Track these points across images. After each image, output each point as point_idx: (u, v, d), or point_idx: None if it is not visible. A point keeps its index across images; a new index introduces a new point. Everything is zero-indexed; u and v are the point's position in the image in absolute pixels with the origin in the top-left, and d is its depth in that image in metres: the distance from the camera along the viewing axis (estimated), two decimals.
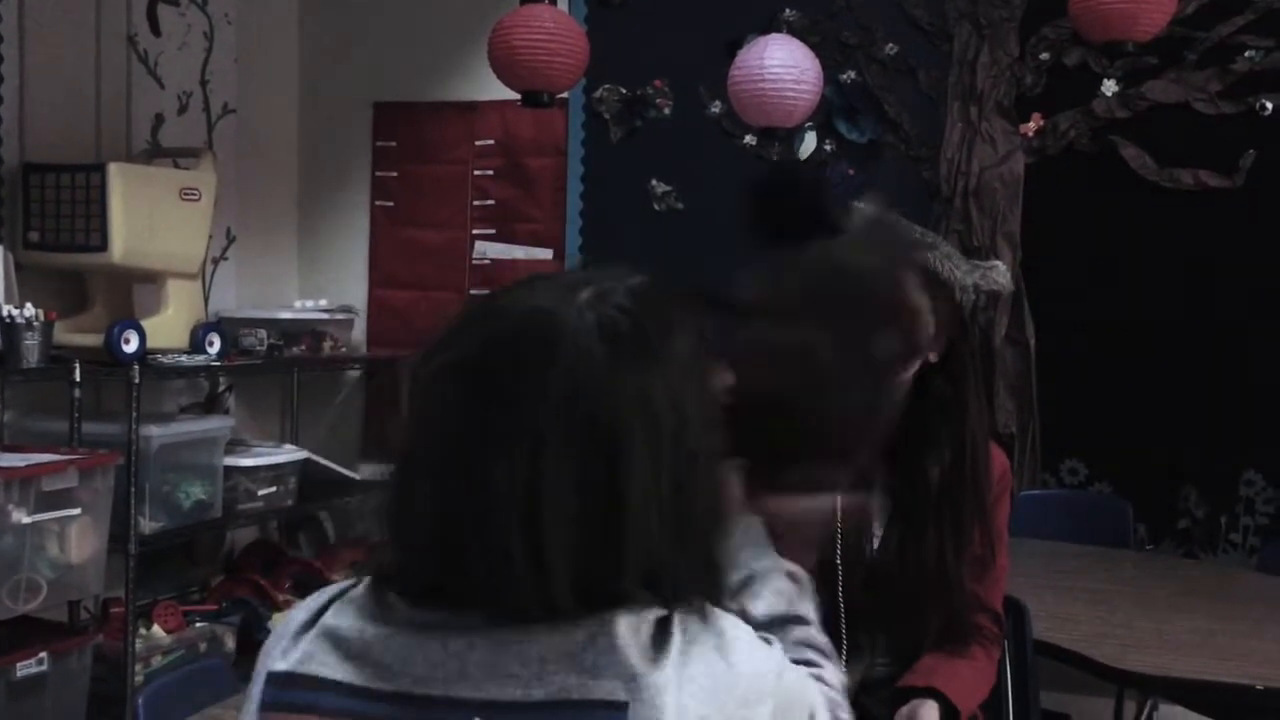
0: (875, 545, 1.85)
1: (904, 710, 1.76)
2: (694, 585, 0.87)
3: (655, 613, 0.84)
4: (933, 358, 1.82)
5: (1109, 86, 3.72)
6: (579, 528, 0.81)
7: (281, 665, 0.87)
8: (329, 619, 0.88)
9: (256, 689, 0.88)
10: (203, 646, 3.60)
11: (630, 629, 0.82)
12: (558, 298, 0.86)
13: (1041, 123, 3.79)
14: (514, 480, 0.81)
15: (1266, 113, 3.57)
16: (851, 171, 3.98)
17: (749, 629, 0.89)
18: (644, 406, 0.83)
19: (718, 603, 0.89)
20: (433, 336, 0.90)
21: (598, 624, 0.82)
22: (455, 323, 0.90)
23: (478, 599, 0.84)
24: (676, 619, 0.84)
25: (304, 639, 0.87)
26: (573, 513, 0.81)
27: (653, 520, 0.83)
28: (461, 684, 0.81)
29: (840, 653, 1.84)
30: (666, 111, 4.18)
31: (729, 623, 0.87)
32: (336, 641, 0.86)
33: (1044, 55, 3.79)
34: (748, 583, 1.03)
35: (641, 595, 0.84)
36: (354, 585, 0.90)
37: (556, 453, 0.81)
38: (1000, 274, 1.87)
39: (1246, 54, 3.59)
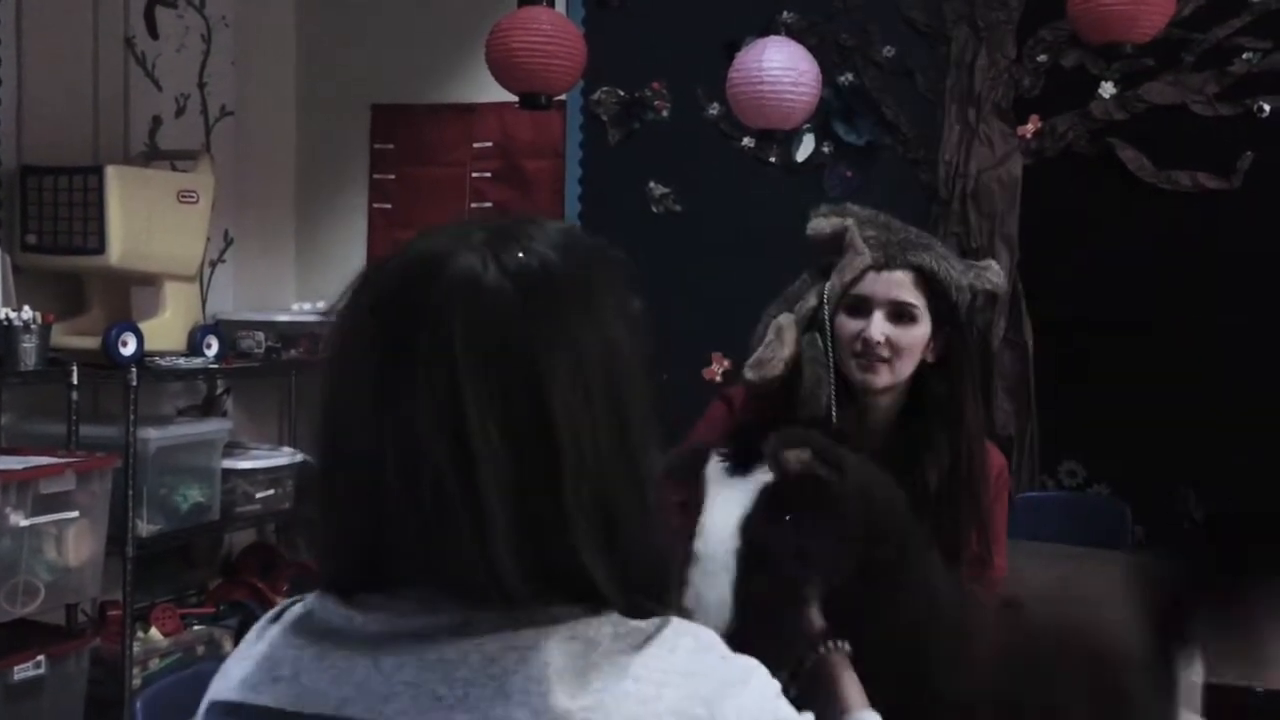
0: None
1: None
2: (651, 559, 0.82)
3: (596, 620, 0.79)
4: (930, 358, 1.81)
5: (1107, 88, 3.73)
6: (513, 465, 0.76)
7: (221, 693, 0.85)
8: (273, 637, 0.85)
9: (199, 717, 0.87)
10: (200, 649, 3.59)
11: (562, 647, 0.77)
12: (447, 242, 0.83)
13: (1039, 125, 3.80)
14: (437, 425, 0.76)
15: (1264, 115, 3.58)
16: (849, 174, 3.98)
17: (696, 637, 0.82)
18: (571, 348, 0.79)
19: (667, 592, 0.84)
20: (336, 305, 0.86)
21: (531, 636, 0.77)
22: (340, 305, 0.85)
23: (418, 576, 0.79)
24: (615, 630, 0.79)
25: (248, 663, 0.85)
26: (504, 450, 0.76)
27: (594, 458, 0.78)
28: (386, 705, 0.77)
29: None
30: (665, 114, 4.18)
31: (671, 635, 0.81)
32: (273, 662, 0.83)
33: (1042, 57, 3.79)
34: None
35: (601, 572, 0.79)
36: (297, 602, 0.87)
37: (478, 398, 0.76)
38: (994, 274, 1.87)
39: (1244, 56, 3.59)
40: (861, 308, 1.79)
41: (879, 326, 1.76)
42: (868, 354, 1.77)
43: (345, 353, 0.83)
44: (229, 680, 0.86)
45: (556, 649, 0.77)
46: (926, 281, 1.77)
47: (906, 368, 1.79)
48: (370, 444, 0.79)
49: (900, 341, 1.77)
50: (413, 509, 0.78)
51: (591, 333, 0.81)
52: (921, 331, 1.78)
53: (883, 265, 1.78)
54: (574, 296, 0.81)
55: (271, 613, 0.89)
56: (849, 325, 1.80)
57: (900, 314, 1.77)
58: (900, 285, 1.77)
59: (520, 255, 0.81)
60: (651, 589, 0.83)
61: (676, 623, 0.82)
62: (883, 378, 1.79)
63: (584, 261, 0.84)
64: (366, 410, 0.80)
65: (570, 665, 0.77)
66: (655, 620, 0.81)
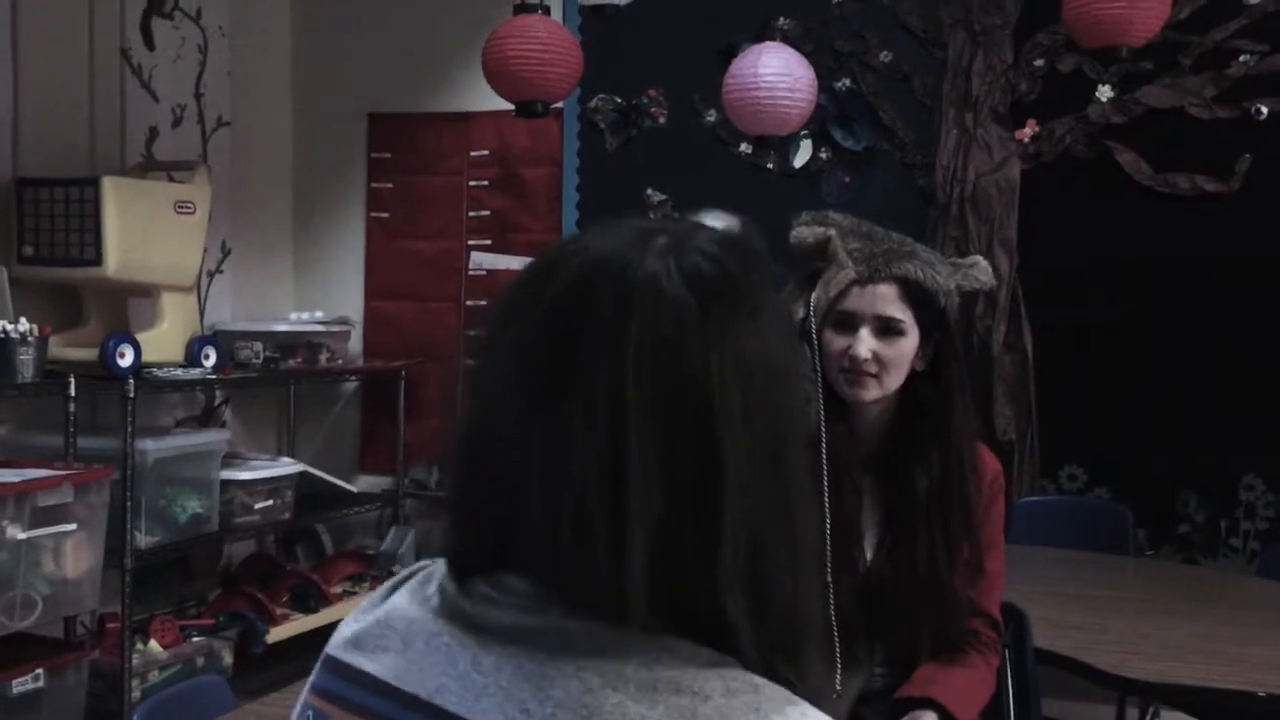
0: (868, 556, 1.84)
1: None
2: (789, 612, 0.75)
3: (711, 674, 0.72)
4: (919, 367, 1.81)
5: (1104, 92, 3.72)
6: (665, 489, 0.71)
7: (334, 647, 0.84)
8: (396, 599, 0.83)
9: (316, 668, 0.85)
10: (200, 661, 3.58)
11: (666, 700, 0.71)
12: (629, 244, 0.77)
13: (1037, 129, 3.79)
14: (595, 434, 0.71)
15: (1262, 117, 3.57)
16: (847, 179, 3.98)
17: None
18: (738, 360, 0.74)
19: (803, 654, 0.77)
20: (489, 309, 0.81)
21: (634, 675, 0.72)
22: (512, 290, 0.80)
23: (538, 574, 0.76)
24: (728, 686, 0.71)
25: (367, 618, 0.83)
26: (659, 469, 0.71)
27: (753, 492, 0.73)
28: (478, 702, 0.74)
29: (836, 664, 1.83)
30: (661, 120, 4.18)
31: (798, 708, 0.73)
32: (387, 629, 0.81)
33: (1038, 61, 3.79)
34: None
35: (727, 613, 0.73)
36: (432, 564, 0.84)
37: (641, 410, 0.71)
38: (981, 271, 1.86)
39: (1241, 58, 3.59)
40: (848, 323, 1.78)
41: (866, 343, 1.76)
42: (855, 370, 1.77)
43: (510, 342, 0.78)
44: (343, 634, 0.84)
45: (661, 694, 0.71)
46: (912, 292, 1.76)
47: (895, 380, 1.78)
48: (519, 440, 0.75)
49: (887, 356, 1.76)
50: (550, 515, 0.73)
51: (757, 346, 0.75)
52: (909, 344, 1.78)
53: (867, 279, 1.76)
54: (746, 312, 0.76)
55: (401, 574, 0.86)
56: (836, 341, 1.79)
57: (887, 329, 1.76)
58: (885, 299, 1.76)
59: (700, 260, 0.76)
60: (788, 650, 0.76)
61: (803, 710, 0.73)
62: (871, 392, 1.78)
63: (753, 268, 0.79)
64: (522, 406, 0.75)
65: (671, 711, 0.70)
66: (780, 691, 0.74)
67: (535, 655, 0.74)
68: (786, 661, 0.76)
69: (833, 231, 1.81)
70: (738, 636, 0.73)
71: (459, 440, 0.81)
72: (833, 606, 1.81)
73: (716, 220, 0.88)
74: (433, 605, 0.81)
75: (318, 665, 0.85)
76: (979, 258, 1.90)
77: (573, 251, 0.79)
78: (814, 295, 1.82)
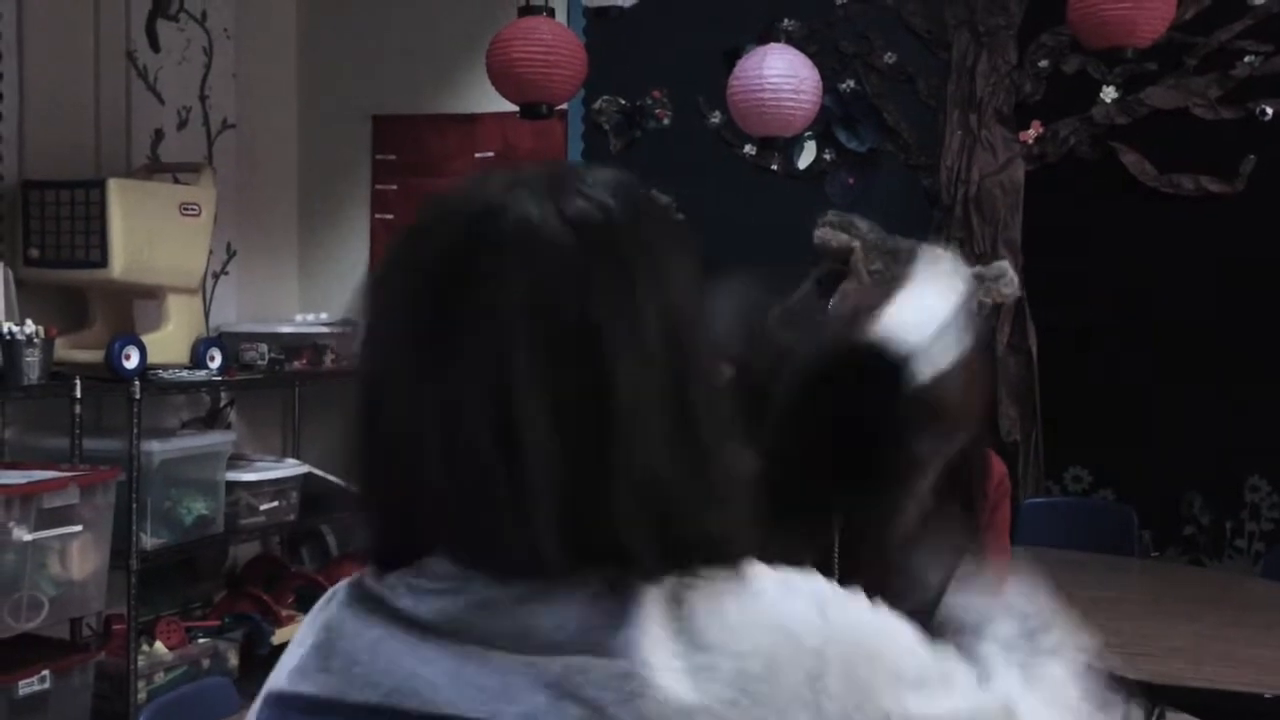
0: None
1: None
2: (715, 533, 0.74)
3: (649, 593, 0.72)
4: None
5: (1108, 93, 3.72)
6: (561, 433, 0.70)
7: (275, 684, 0.83)
8: (328, 618, 0.83)
9: (255, 708, 0.85)
10: (206, 663, 3.59)
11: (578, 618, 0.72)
12: (502, 190, 0.75)
13: (1041, 130, 3.79)
14: (483, 393, 0.70)
15: (1266, 118, 3.57)
16: (851, 180, 3.98)
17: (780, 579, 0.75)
18: (624, 296, 0.72)
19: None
20: (369, 279, 0.79)
21: (556, 600, 0.72)
22: (390, 255, 0.78)
23: (453, 548, 0.76)
24: (674, 598, 0.72)
25: (304, 647, 0.83)
26: (550, 416, 0.70)
27: (648, 433, 0.72)
28: (436, 695, 0.74)
29: None
30: (666, 122, 4.18)
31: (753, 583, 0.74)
32: (325, 650, 0.81)
33: (1043, 62, 3.79)
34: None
35: (642, 548, 0.72)
36: (353, 580, 0.84)
37: (527, 354, 0.70)
38: (1006, 283, 1.84)
39: (1246, 59, 3.59)
40: None
41: None
42: None
43: (389, 309, 0.76)
44: (282, 670, 0.83)
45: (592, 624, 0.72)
46: None
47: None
48: (410, 409, 0.74)
49: None
50: (450, 478, 0.73)
51: (656, 292, 0.73)
52: None
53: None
54: (637, 252, 0.73)
55: (325, 596, 0.85)
56: None
57: None
58: None
59: (580, 202, 0.73)
60: (713, 558, 0.76)
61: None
62: None
63: (648, 210, 0.76)
64: (407, 372, 0.74)
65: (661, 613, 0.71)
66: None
67: (471, 634, 0.74)
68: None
69: (856, 244, 1.80)
70: (650, 569, 0.72)
71: (354, 429, 0.79)
72: None
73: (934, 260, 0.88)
74: (365, 611, 0.80)
75: (258, 705, 0.83)
76: (1005, 268, 1.85)
77: (447, 205, 0.76)
78: (832, 305, 1.81)
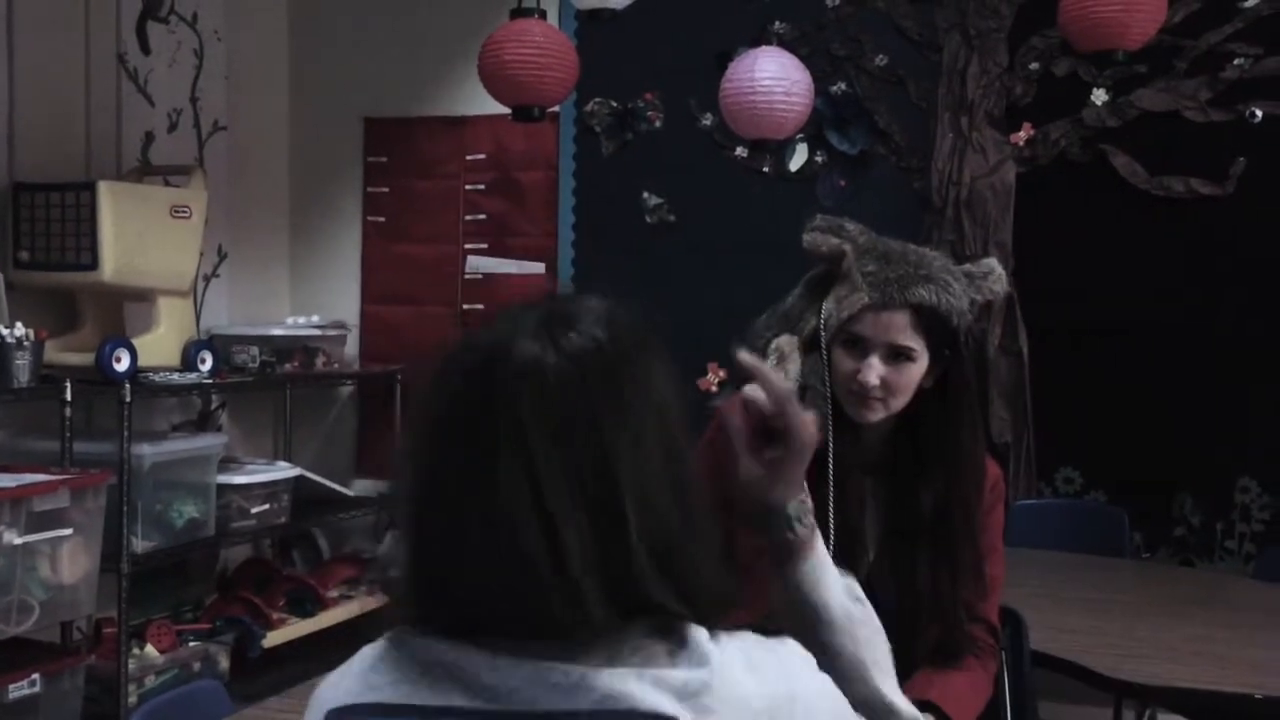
0: (869, 561, 1.84)
1: None
2: (710, 584, 0.90)
3: (686, 625, 0.88)
4: (926, 384, 1.80)
5: (1099, 95, 3.73)
6: (590, 526, 0.85)
7: (335, 700, 0.91)
8: (370, 652, 0.93)
9: None
10: (196, 666, 3.58)
11: (661, 639, 0.86)
12: (515, 331, 0.90)
13: (1032, 132, 3.80)
14: (517, 498, 0.85)
15: (1256, 120, 3.58)
16: (843, 183, 3.99)
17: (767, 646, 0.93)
18: (618, 403, 0.88)
19: (730, 605, 0.93)
20: (416, 394, 0.95)
21: (634, 635, 0.86)
22: (430, 379, 0.93)
23: (510, 626, 0.87)
24: (702, 631, 0.88)
25: (349, 675, 0.92)
26: (579, 514, 0.85)
27: (653, 502, 0.87)
28: (510, 699, 0.85)
29: None
30: (658, 124, 4.18)
31: (749, 640, 0.91)
32: (390, 669, 0.90)
33: (1033, 65, 3.79)
34: None
35: (670, 601, 0.87)
36: (379, 644, 0.94)
37: (549, 461, 0.85)
38: (996, 280, 1.84)
39: (1235, 62, 3.60)
40: (858, 345, 1.77)
41: (875, 370, 1.74)
42: (863, 393, 1.76)
43: (428, 446, 0.91)
44: (335, 690, 0.92)
45: (664, 651, 0.86)
46: (925, 319, 1.74)
47: (901, 402, 1.78)
48: (458, 522, 0.87)
49: (896, 382, 1.75)
50: (499, 568, 0.86)
51: (644, 401, 0.90)
52: (918, 369, 1.76)
53: (880, 306, 1.73)
54: (626, 369, 0.90)
55: (354, 661, 0.94)
56: (845, 362, 1.78)
57: (897, 355, 1.75)
58: (898, 328, 1.73)
59: (574, 336, 0.89)
60: (717, 605, 0.91)
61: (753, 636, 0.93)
62: (877, 414, 1.78)
63: (629, 333, 0.92)
64: (455, 482, 0.88)
65: (673, 661, 0.86)
66: (747, 634, 0.92)
67: (543, 651, 0.86)
68: (720, 620, 0.91)
69: (847, 247, 1.79)
70: (675, 611, 0.88)
71: (406, 541, 0.92)
72: None
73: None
74: (417, 662, 0.89)
75: None
76: (994, 264, 1.86)
77: (457, 349, 0.93)
78: (826, 308, 1.81)
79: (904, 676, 1.83)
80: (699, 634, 0.88)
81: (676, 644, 0.87)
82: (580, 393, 0.87)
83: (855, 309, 1.76)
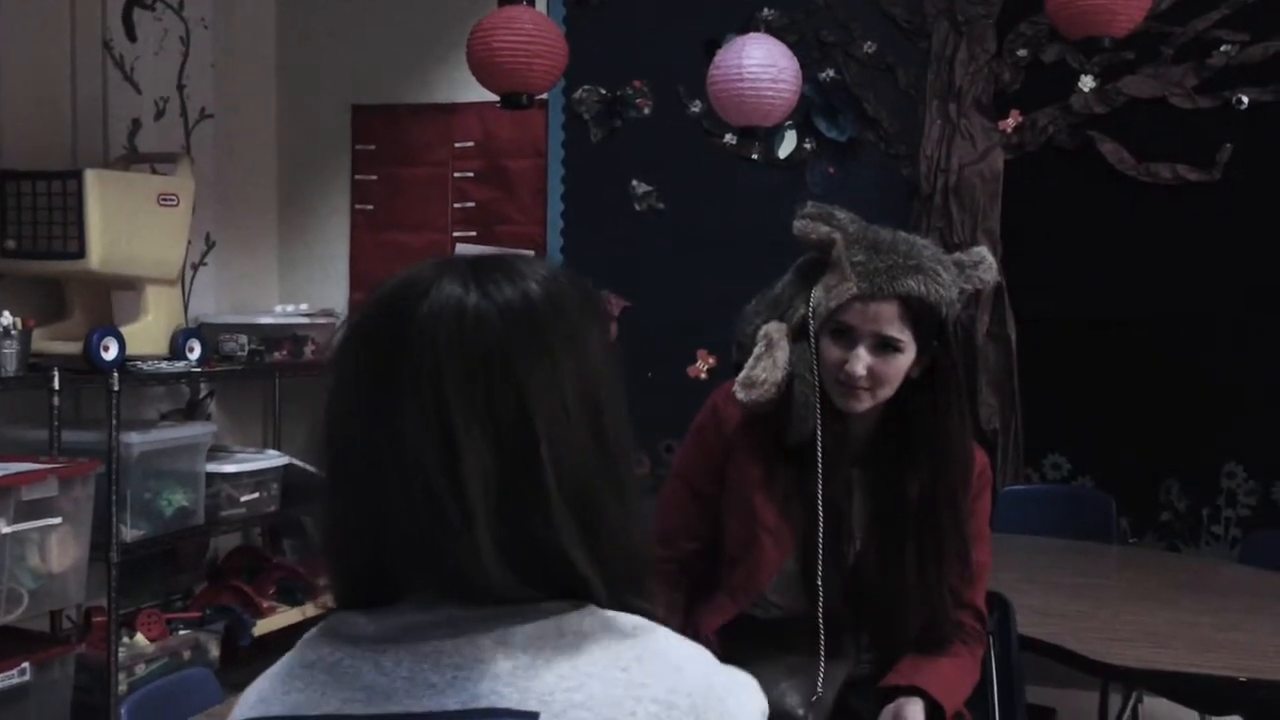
0: (856, 549, 1.85)
1: (889, 709, 1.76)
2: (627, 550, 0.87)
3: (584, 613, 0.84)
4: (913, 374, 1.81)
5: (1086, 82, 3.74)
6: (500, 468, 0.82)
7: (239, 715, 0.90)
8: (292, 655, 0.91)
9: None
10: (187, 654, 3.58)
11: (553, 640, 0.82)
12: (440, 273, 0.87)
13: (1020, 119, 3.81)
14: (428, 431, 0.82)
15: (1243, 106, 3.59)
16: (832, 170, 3.99)
17: (690, 644, 0.87)
18: (542, 356, 0.85)
19: (646, 586, 0.89)
20: (337, 337, 0.91)
21: (520, 628, 0.82)
22: (346, 318, 0.92)
23: (418, 582, 0.85)
24: (603, 623, 0.84)
25: (269, 681, 0.90)
26: (488, 453, 0.82)
27: (575, 459, 0.84)
28: (388, 702, 0.83)
29: (820, 654, 1.84)
30: (646, 111, 4.18)
31: (659, 632, 0.86)
32: (288, 677, 0.88)
33: (1021, 52, 3.80)
34: None
35: (582, 562, 0.83)
36: (319, 619, 0.93)
37: (462, 405, 0.82)
38: (986, 269, 1.85)
39: (1222, 48, 3.61)
40: (846, 335, 1.77)
41: (862, 360, 1.75)
42: (850, 383, 1.77)
43: (340, 379, 0.88)
44: (246, 701, 0.91)
45: (547, 640, 0.82)
46: (913, 309, 1.75)
47: (888, 392, 1.79)
48: (368, 461, 0.84)
49: (883, 372, 1.76)
50: (410, 515, 0.82)
51: (569, 352, 0.86)
52: (905, 360, 1.77)
53: (869, 296, 1.74)
54: (553, 320, 0.86)
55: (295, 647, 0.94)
56: (832, 351, 1.79)
57: (884, 346, 1.76)
58: (885, 319, 1.74)
59: (505, 285, 0.86)
60: (632, 583, 0.88)
61: (667, 631, 0.87)
62: (864, 404, 1.79)
63: (564, 293, 0.88)
64: (362, 429, 0.85)
65: (559, 653, 0.82)
66: (643, 621, 0.86)
67: (429, 642, 0.83)
68: (635, 594, 0.88)
69: (838, 236, 1.79)
70: (590, 585, 0.84)
71: (321, 487, 0.89)
72: (821, 599, 1.82)
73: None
74: (326, 643, 0.88)
75: None
76: (984, 253, 1.86)
77: (378, 287, 0.90)
78: (815, 296, 1.81)
79: (894, 657, 1.85)
80: (592, 622, 0.84)
81: (570, 633, 0.83)
82: (498, 333, 0.84)
83: (844, 299, 1.76)
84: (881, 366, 1.76)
